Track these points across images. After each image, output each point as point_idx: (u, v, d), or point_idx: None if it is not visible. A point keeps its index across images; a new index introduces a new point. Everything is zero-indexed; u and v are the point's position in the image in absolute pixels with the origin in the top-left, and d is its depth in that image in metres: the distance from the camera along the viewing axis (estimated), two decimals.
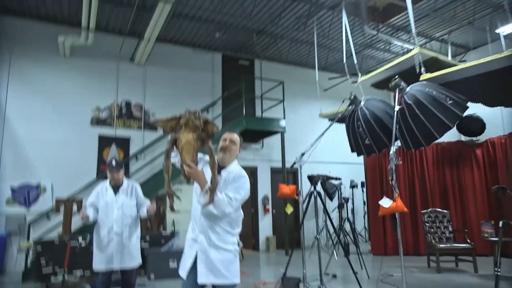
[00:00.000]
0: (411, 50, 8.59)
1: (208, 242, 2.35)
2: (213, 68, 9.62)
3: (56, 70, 7.97)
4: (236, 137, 2.57)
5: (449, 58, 9.04)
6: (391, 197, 3.88)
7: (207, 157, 2.46)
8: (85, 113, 8.17)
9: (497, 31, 7.30)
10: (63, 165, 7.67)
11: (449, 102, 4.39)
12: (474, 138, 7.81)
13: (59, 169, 7.63)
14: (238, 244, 2.47)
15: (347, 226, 8.76)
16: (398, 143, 4.84)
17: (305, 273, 4.81)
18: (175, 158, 2.42)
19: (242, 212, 2.51)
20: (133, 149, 8.37)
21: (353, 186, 10.34)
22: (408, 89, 4.57)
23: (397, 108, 4.36)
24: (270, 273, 6.58)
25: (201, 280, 2.31)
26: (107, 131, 8.30)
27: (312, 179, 4.57)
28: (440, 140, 7.20)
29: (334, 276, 5.81)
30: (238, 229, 2.49)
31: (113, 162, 3.93)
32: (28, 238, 6.95)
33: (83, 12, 6.69)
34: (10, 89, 7.56)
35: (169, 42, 9.01)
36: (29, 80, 7.70)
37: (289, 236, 8.62)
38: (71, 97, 8.01)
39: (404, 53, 9.35)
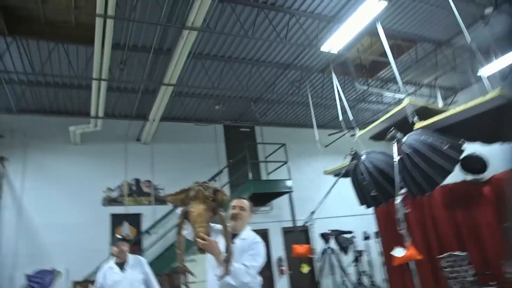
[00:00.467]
0: (402, 99, 9.02)
1: None
2: (216, 138, 9.96)
3: (68, 157, 8.33)
4: (245, 202, 2.58)
5: (440, 102, 9.41)
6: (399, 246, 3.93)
7: (218, 226, 2.45)
8: (96, 195, 8.35)
9: (478, 74, 7.66)
10: (77, 248, 7.65)
11: (445, 147, 4.56)
12: (478, 177, 7.83)
13: (74, 252, 7.61)
14: None
15: (365, 280, 8.48)
16: (403, 190, 4.94)
17: None
18: (187, 231, 2.38)
19: (261, 278, 2.45)
20: (145, 225, 8.41)
21: (366, 237, 10.12)
22: (404, 139, 4.77)
23: (396, 158, 4.53)
24: None
25: None
26: (119, 210, 8.40)
27: (325, 236, 4.58)
28: (445, 181, 7.31)
29: None
30: None
31: (118, 235, 3.98)
32: None
33: (92, 103, 7.13)
34: (27, 179, 7.82)
35: (172, 119, 9.42)
36: (43, 169, 8.02)
37: None
38: (83, 181, 8.26)
39: (396, 103, 9.75)
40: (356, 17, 5.34)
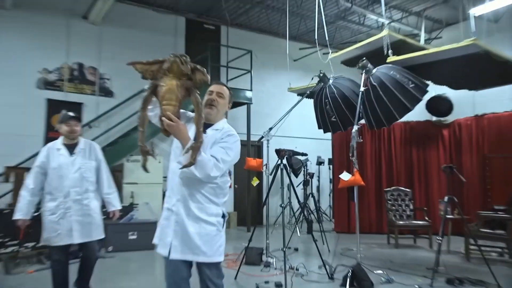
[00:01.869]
0: (383, 26, 9.57)
1: (186, 213, 2.28)
2: (176, 31, 10.09)
3: None
4: (225, 89, 2.51)
5: (423, 35, 10.06)
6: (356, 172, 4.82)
7: (190, 113, 2.46)
8: (30, 74, 8.44)
9: (469, 11, 8.29)
10: (6, 131, 7.99)
11: (411, 85, 5.32)
12: (443, 119, 8.94)
13: (3, 134, 7.97)
14: (223, 216, 2.41)
15: (311, 204, 9.79)
16: (362, 121, 5.76)
17: (268, 243, 5.72)
18: (152, 112, 2.37)
19: (229, 178, 2.48)
20: (86, 117, 8.79)
21: (320, 162, 11.36)
22: (374, 71, 5.44)
23: (362, 89, 5.24)
24: (231, 247, 7.43)
25: (174, 255, 2.27)
26: (56, 95, 8.67)
27: (280, 153, 5.38)
28: (409, 119, 8.35)
29: (296, 249, 6.80)
30: (224, 198, 2.44)
31: (70, 112, 3.79)
32: None
33: None
34: None
35: (129, 0, 9.33)
36: None
37: (251, 212, 9.51)
38: (15, 54, 8.25)
39: (378, 27, 10.29)
40: None
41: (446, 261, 5.53)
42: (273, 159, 5.70)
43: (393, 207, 7.72)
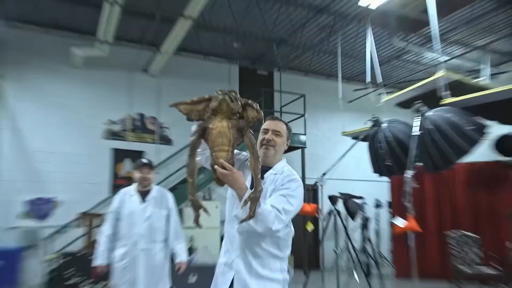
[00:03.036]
0: (441, 63, 9.52)
1: (247, 270, 2.08)
2: (229, 79, 10.63)
3: (68, 82, 9.07)
4: (282, 126, 2.28)
5: (487, 70, 9.79)
6: (416, 218, 4.81)
7: (243, 154, 2.28)
8: (97, 126, 9.24)
9: None
10: (75, 179, 8.71)
11: (469, 128, 5.28)
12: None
13: (72, 183, 8.68)
14: (288, 272, 2.20)
15: (369, 248, 9.59)
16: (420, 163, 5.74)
17: None
18: (202, 156, 2.20)
19: (292, 229, 2.23)
20: None
21: (378, 205, 11.16)
22: (430, 113, 5.48)
23: (417, 133, 5.27)
24: None
25: None
26: (120, 144, 9.35)
27: (333, 198, 5.46)
28: (475, 159, 8.12)
29: None
30: (288, 251, 2.21)
31: (144, 160, 3.88)
32: (48, 251, 8.00)
33: (102, 24, 7.71)
34: (22, 102, 8.60)
35: (184, 52, 10.02)
36: (40, 91, 8.78)
37: (308, 256, 9.45)
38: (84, 109, 9.09)
39: (435, 65, 10.23)
40: None
41: None
42: (328, 204, 5.79)
43: (458, 253, 7.39)
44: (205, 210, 1.96)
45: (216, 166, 1.90)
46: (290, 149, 10.00)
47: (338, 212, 5.43)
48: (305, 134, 9.90)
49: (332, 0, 7.87)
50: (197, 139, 1.97)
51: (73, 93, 9.11)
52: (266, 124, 2.26)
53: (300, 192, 2.14)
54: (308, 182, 9.17)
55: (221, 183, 1.97)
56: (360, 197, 9.62)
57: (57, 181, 8.63)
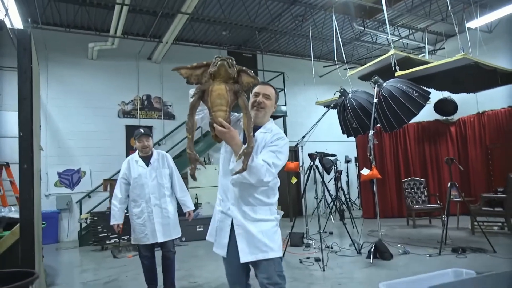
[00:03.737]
0: (393, 42, 9.89)
1: (242, 215, 2.06)
2: None
3: (86, 71, 9.23)
4: (271, 90, 2.19)
5: (427, 47, 10.27)
6: (377, 168, 5.28)
7: (235, 115, 2.19)
8: (112, 107, 9.49)
9: (467, 25, 8.55)
10: (97, 153, 9.05)
11: (415, 94, 5.74)
12: (449, 118, 9.19)
13: (95, 156, 9.01)
14: (278, 214, 2.17)
15: (342, 196, 10.24)
16: (377, 125, 6.23)
17: (307, 229, 6.29)
18: (200, 115, 2.11)
19: (278, 180, 2.17)
20: (155, 137, 9.71)
21: (347, 161, 11.79)
22: (384, 84, 5.92)
23: (375, 100, 5.73)
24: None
25: (245, 258, 2.03)
26: (132, 122, 9.64)
27: (312, 156, 5.94)
28: (421, 119, 8.68)
29: (331, 233, 7.32)
30: (275, 198, 2.18)
31: (141, 129, 3.84)
32: (80, 213, 8.43)
33: (112, 23, 7.87)
34: (49, 90, 8.83)
35: (181, 41, 10.21)
36: (64, 81, 8.97)
37: (292, 205, 10.08)
38: (100, 94, 9.30)
39: (388, 44, 10.63)
40: None
41: (454, 236, 5.92)
42: (307, 161, 6.26)
43: (410, 194, 8.07)
44: (201, 163, 1.92)
45: (215, 125, 1.86)
46: (273, 117, 10.44)
47: (316, 167, 5.90)
48: (285, 105, 10.32)
49: None
50: (197, 100, 1.91)
51: (90, 81, 9.28)
52: (257, 88, 2.17)
53: (286, 148, 2.10)
54: (290, 144, 9.63)
55: (218, 140, 1.95)
56: (333, 155, 10.23)
57: (82, 155, 8.95)
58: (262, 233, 2.04)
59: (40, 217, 3.23)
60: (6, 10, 5.75)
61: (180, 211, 3.93)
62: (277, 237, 2.10)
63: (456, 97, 8.29)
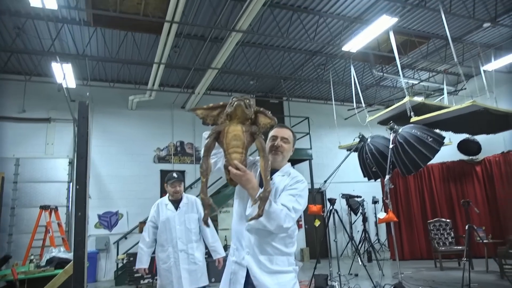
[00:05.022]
0: (413, 85, 10.25)
1: (257, 266, 1.92)
2: None
3: (126, 121, 10.12)
4: (288, 133, 2.12)
5: (445, 89, 10.48)
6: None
7: (250, 159, 2.10)
8: (149, 153, 10.26)
9: (483, 68, 8.83)
10: (134, 196, 9.71)
11: (430, 139, 6.03)
12: (474, 157, 9.25)
13: (132, 199, 9.67)
14: (296, 265, 2.04)
15: (371, 237, 10.30)
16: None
17: (331, 271, 6.48)
18: (216, 158, 2.05)
19: (297, 226, 2.05)
20: (187, 181, 10.32)
21: (375, 202, 11.85)
22: (400, 130, 6.26)
23: (391, 146, 6.06)
24: (305, 275, 8.21)
25: None
26: (167, 166, 10.34)
27: (331, 200, 6.26)
28: (445, 159, 8.82)
29: (356, 275, 7.41)
30: (294, 247, 2.02)
31: (174, 174, 3.83)
32: (117, 253, 8.98)
33: (150, 79, 8.77)
34: (94, 138, 9.70)
35: (212, 91, 11.01)
36: (106, 129, 9.86)
37: (319, 247, 10.20)
38: (138, 141, 10.10)
39: (409, 87, 11.00)
40: (370, 29, 6.66)
41: (482, 280, 5.92)
42: (336, 203, 6.55)
43: (436, 236, 8.08)
44: (214, 207, 1.83)
45: (230, 167, 1.79)
46: (300, 161, 10.83)
47: (336, 210, 6.19)
48: (311, 149, 10.71)
49: (323, 46, 8.74)
50: (212, 141, 1.84)
51: (130, 129, 10.14)
52: (274, 131, 2.11)
53: (306, 192, 2.01)
54: (316, 186, 9.96)
55: (233, 183, 1.87)
56: (359, 196, 10.43)
57: (120, 198, 9.64)
58: (279, 287, 1.90)
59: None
60: (64, 75, 6.67)
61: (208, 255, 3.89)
62: None
63: (481, 137, 8.43)
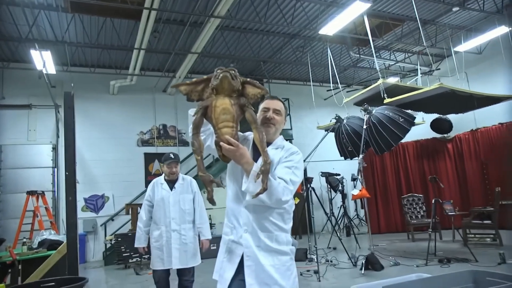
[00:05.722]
0: (389, 66, 10.56)
1: (256, 244, 1.84)
2: None
3: (107, 106, 10.19)
4: (280, 104, 2.02)
5: (419, 70, 10.82)
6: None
7: (241, 134, 1.98)
8: (132, 137, 10.39)
9: (454, 49, 9.20)
10: (119, 179, 9.89)
11: (401, 120, 6.37)
12: (446, 135, 9.72)
13: (117, 182, 9.85)
14: (293, 244, 1.95)
15: (351, 213, 10.79)
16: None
17: (310, 245, 6.89)
18: (205, 135, 1.93)
19: (293, 201, 1.97)
20: None
21: (354, 179, 12.29)
22: (373, 111, 6.58)
23: (365, 127, 6.39)
24: None
25: None
26: (150, 149, 10.51)
27: (307, 179, 6.60)
28: (419, 137, 9.24)
29: (334, 248, 7.86)
30: (291, 223, 1.97)
31: (171, 155, 3.82)
32: (105, 235, 9.22)
33: (131, 64, 8.83)
34: (77, 124, 9.73)
35: (193, 74, 11.10)
36: (88, 115, 9.89)
37: (301, 223, 10.64)
38: (121, 125, 10.21)
39: (385, 68, 11.33)
40: (345, 13, 6.88)
41: (447, 248, 6.41)
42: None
43: (409, 210, 8.58)
44: (218, 183, 1.74)
45: (221, 143, 1.69)
46: None
47: (313, 189, 6.52)
48: (291, 129, 11.03)
49: (300, 29, 8.91)
50: (200, 118, 1.73)
51: (112, 114, 10.22)
52: (265, 103, 2.01)
53: (302, 163, 1.93)
54: None
55: (226, 159, 1.79)
56: (338, 174, 10.85)
57: (105, 181, 9.80)
58: (275, 268, 1.83)
59: None
60: (44, 62, 6.71)
61: None
62: (290, 273, 1.87)
63: (452, 115, 8.85)
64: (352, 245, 8.08)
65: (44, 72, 7.66)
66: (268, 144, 1.91)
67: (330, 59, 8.60)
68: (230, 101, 1.69)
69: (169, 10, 7.24)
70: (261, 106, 2.02)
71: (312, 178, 6.75)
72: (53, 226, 7.06)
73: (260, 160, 1.72)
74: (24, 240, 4.90)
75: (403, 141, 9.75)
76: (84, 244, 9.28)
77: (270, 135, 1.96)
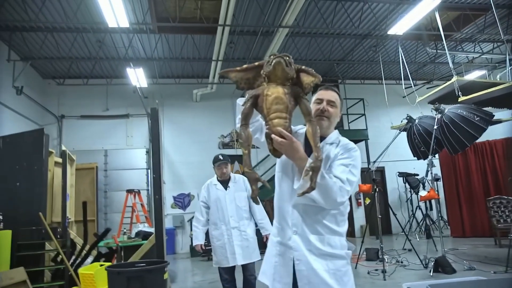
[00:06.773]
0: (473, 59, 9.97)
1: (306, 247, 1.71)
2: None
3: (191, 112, 11.26)
4: (335, 96, 1.87)
5: (508, 62, 9.94)
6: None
7: (293, 127, 1.76)
8: (213, 140, 11.32)
9: None
10: (203, 179, 10.69)
11: (476, 118, 6.15)
12: None
13: (200, 182, 10.72)
14: (349, 248, 1.82)
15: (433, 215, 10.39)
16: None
17: (382, 246, 6.96)
18: (255, 126, 1.80)
19: (349, 203, 1.82)
20: None
21: (436, 179, 11.77)
22: (445, 111, 6.43)
23: (435, 127, 6.28)
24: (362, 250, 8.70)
25: None
26: (230, 152, 11.32)
27: (375, 181, 6.66)
28: (509, 135, 8.62)
29: (410, 250, 7.76)
30: (345, 226, 1.81)
31: (220, 156, 3.96)
32: (191, 230, 10.24)
33: (211, 71, 9.70)
34: (165, 129, 11.00)
35: None
36: (175, 122, 11.08)
37: (368, 224, 10.48)
38: (203, 129, 11.21)
39: (469, 61, 10.67)
40: (415, 10, 6.79)
41: None
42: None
43: (496, 213, 8.06)
44: (264, 182, 1.57)
45: (273, 135, 1.52)
46: (356, 141, 11.14)
47: (380, 189, 6.56)
48: (366, 129, 10.98)
49: (372, 29, 8.91)
50: (250, 108, 1.60)
51: (195, 119, 11.27)
52: (319, 94, 1.87)
53: (360, 161, 1.78)
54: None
55: (278, 154, 1.62)
56: (416, 174, 10.56)
57: (190, 181, 10.85)
58: (329, 273, 1.69)
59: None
60: (137, 78, 7.82)
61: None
62: (347, 279, 1.72)
63: None
64: (430, 247, 7.87)
65: (138, 86, 8.85)
66: (322, 139, 1.75)
67: (402, 58, 8.47)
68: (284, 90, 1.53)
69: (241, 24, 7.86)
70: (314, 97, 1.90)
71: (378, 179, 6.79)
72: (147, 220, 8.15)
73: (312, 156, 1.54)
74: (125, 230, 5.89)
75: (490, 139, 9.28)
76: (174, 237, 10.41)
77: (324, 128, 1.80)
